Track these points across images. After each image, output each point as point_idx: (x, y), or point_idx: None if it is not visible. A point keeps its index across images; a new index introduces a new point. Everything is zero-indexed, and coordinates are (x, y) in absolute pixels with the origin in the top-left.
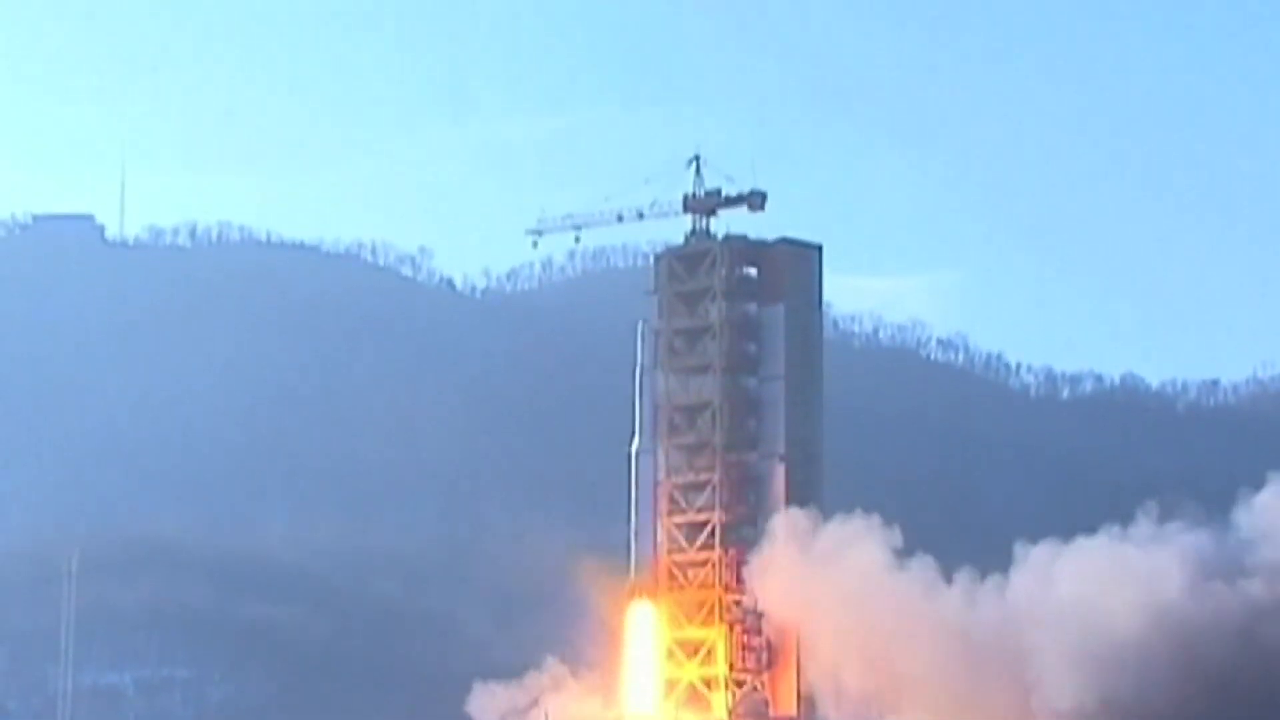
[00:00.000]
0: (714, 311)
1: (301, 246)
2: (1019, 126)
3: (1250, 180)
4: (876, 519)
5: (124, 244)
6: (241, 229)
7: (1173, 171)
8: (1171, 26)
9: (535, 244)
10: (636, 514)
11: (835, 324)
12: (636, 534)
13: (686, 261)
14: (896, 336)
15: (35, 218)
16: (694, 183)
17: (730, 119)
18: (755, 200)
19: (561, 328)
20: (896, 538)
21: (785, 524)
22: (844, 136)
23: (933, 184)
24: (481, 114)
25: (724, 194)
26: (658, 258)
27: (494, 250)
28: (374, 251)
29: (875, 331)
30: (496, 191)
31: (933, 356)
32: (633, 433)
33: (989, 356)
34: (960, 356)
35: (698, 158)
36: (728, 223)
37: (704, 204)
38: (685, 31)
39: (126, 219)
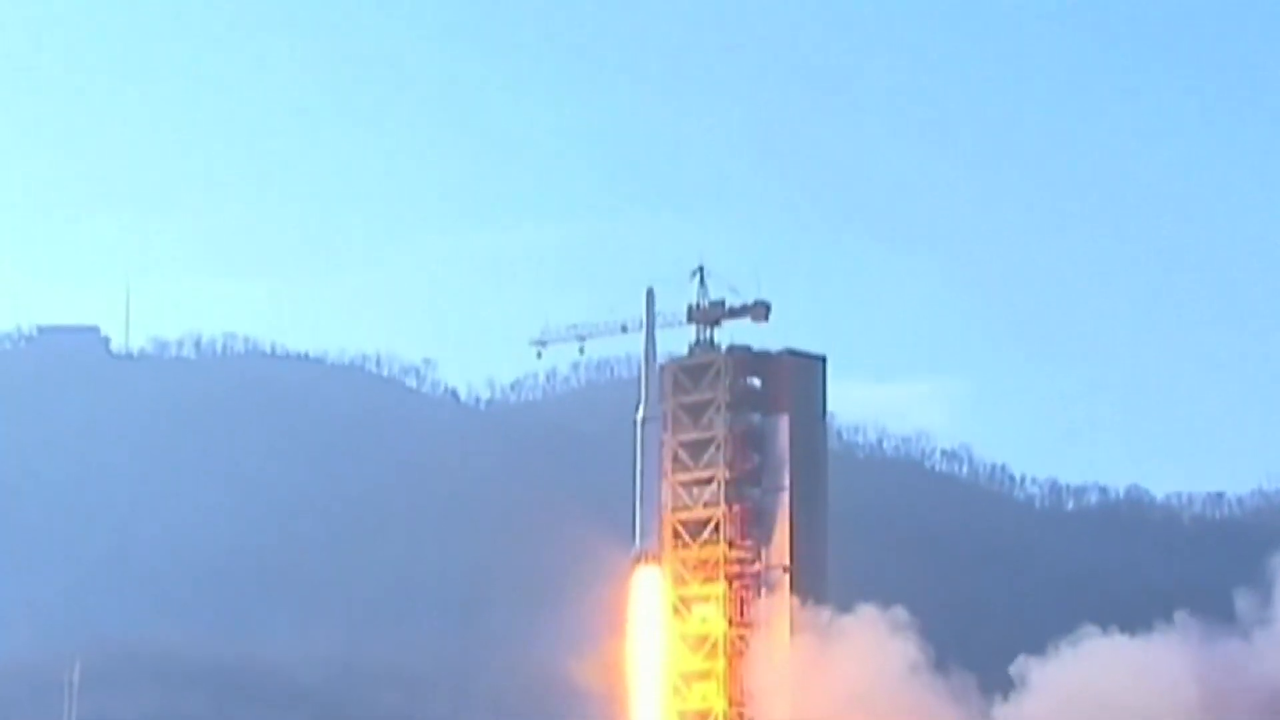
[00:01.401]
0: (718, 423)
1: (306, 358)
2: (1025, 234)
3: (1256, 293)
4: (900, 613)
5: (129, 356)
6: (246, 340)
7: (1178, 284)
8: (1178, 135)
9: (539, 354)
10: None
11: (839, 435)
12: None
13: (690, 373)
14: (901, 448)
15: (40, 329)
16: (698, 293)
17: (734, 229)
18: (759, 311)
19: (565, 438)
20: (912, 649)
21: (790, 618)
22: (848, 244)
23: (936, 291)
24: (485, 223)
25: (728, 305)
26: (662, 369)
27: (498, 360)
28: (378, 363)
29: (879, 442)
30: (501, 301)
31: (937, 468)
32: (634, 541)
33: (993, 468)
34: (964, 468)
35: (701, 269)
36: (731, 333)
37: (708, 315)
38: (688, 141)
39: (131, 330)
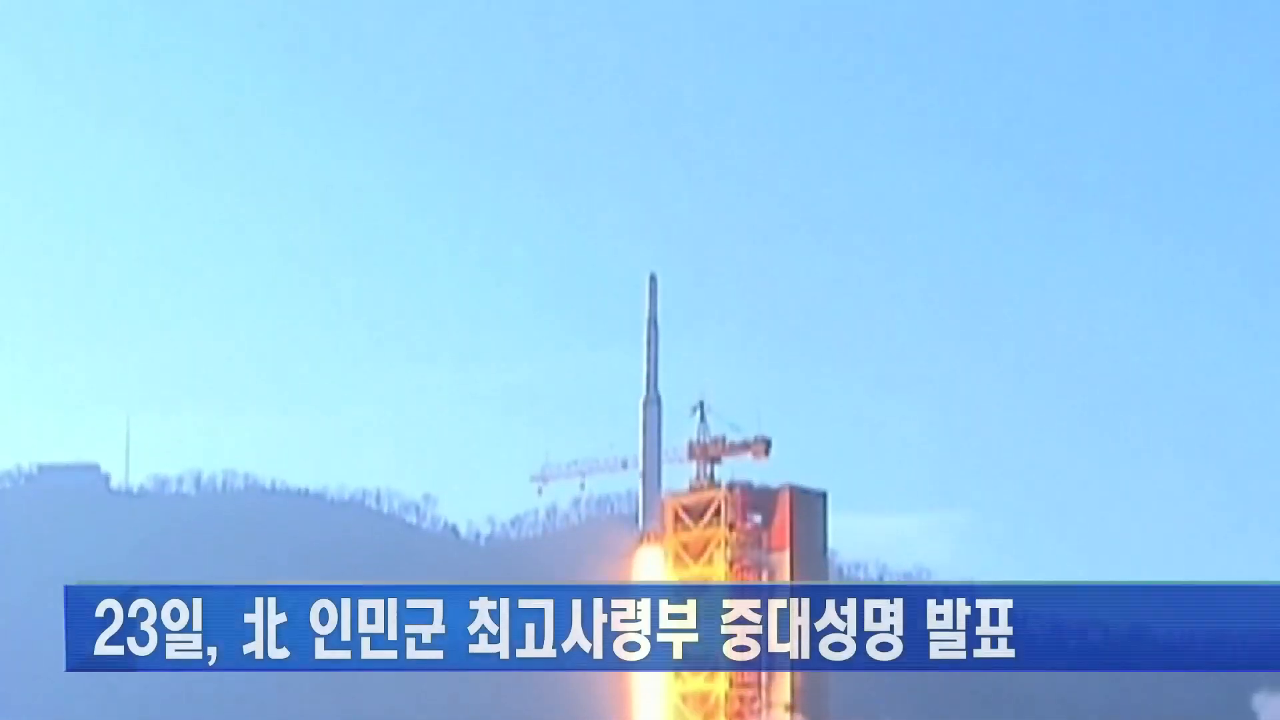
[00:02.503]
0: (719, 559)
1: (306, 494)
2: (1025, 365)
3: (1261, 430)
4: None
5: (129, 493)
6: (246, 477)
7: (1180, 416)
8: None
9: (540, 491)
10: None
11: (840, 571)
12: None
13: (691, 509)
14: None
15: (40, 468)
16: (698, 429)
17: (735, 364)
18: (760, 447)
19: (565, 574)
20: None
21: None
22: (847, 378)
23: (936, 424)
24: (487, 357)
25: (729, 441)
26: (663, 504)
27: (498, 497)
28: (378, 499)
29: (880, 579)
30: (501, 436)
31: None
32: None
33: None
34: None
35: (702, 404)
36: (732, 469)
37: (709, 451)
38: (687, 276)
39: (131, 467)
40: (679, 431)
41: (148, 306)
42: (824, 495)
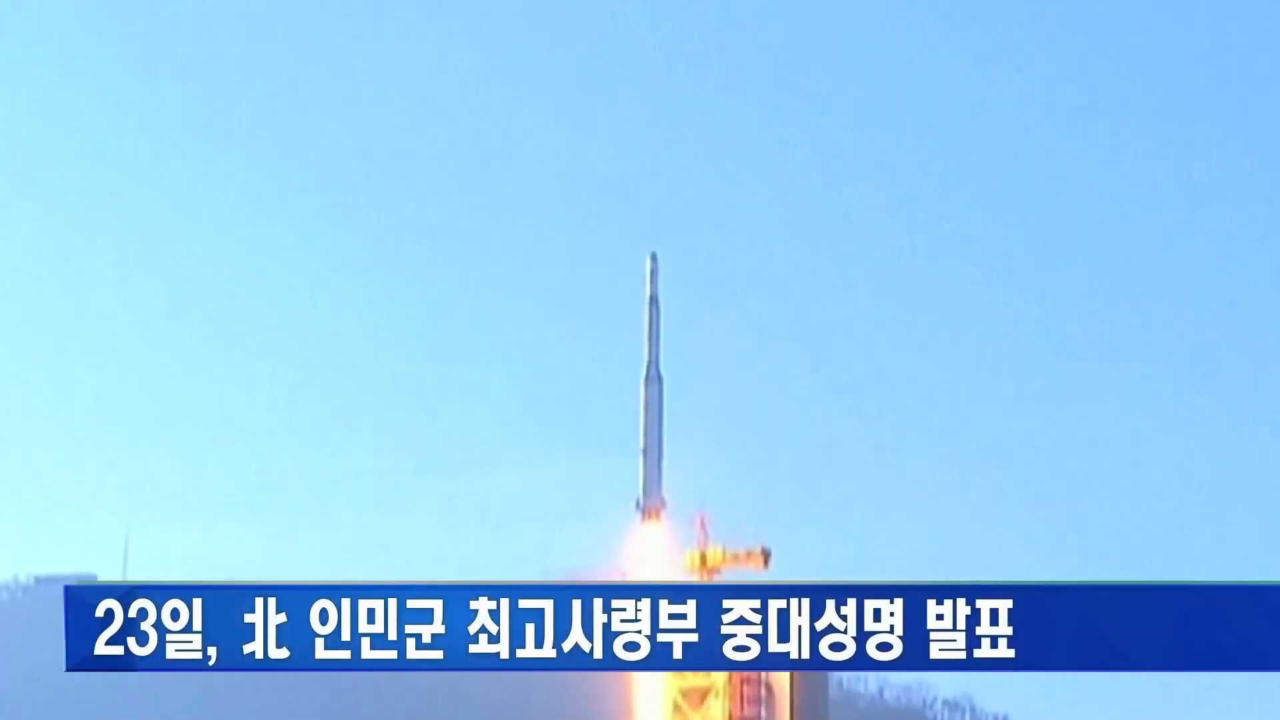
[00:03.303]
0: (720, 673)
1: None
2: (1023, 467)
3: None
4: None
5: None
6: None
7: (1185, 531)
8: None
9: None
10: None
11: (840, 684)
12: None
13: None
14: (902, 697)
15: (37, 579)
16: (699, 539)
17: (734, 473)
18: (759, 558)
19: (563, 688)
20: None
21: None
22: (846, 484)
23: (933, 542)
24: (489, 463)
25: (729, 551)
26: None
27: None
28: None
29: (880, 692)
30: (501, 542)
31: (939, 718)
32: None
33: (994, 718)
34: (966, 717)
35: (702, 516)
36: (731, 578)
37: (710, 563)
38: (684, 383)
39: (129, 577)
40: (679, 542)
41: (145, 416)
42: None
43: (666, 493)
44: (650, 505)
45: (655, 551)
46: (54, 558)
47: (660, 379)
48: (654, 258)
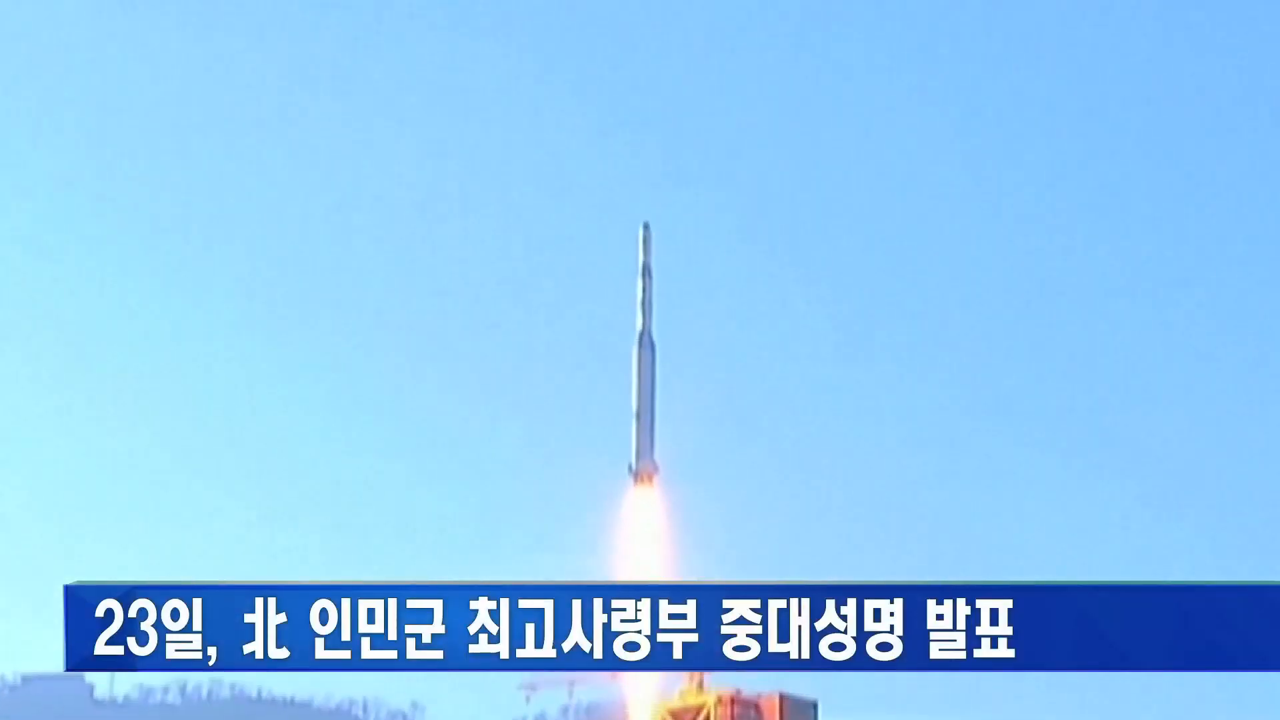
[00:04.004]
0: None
1: (292, 703)
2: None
3: None
4: None
5: (114, 702)
6: (233, 686)
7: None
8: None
9: (528, 699)
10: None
11: None
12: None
13: (680, 716)
14: None
15: (24, 678)
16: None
17: (736, 559)
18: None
19: None
20: None
21: None
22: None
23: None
24: (482, 559)
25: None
26: (653, 710)
27: (486, 705)
28: (365, 708)
29: None
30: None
31: None
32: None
33: None
34: None
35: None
36: (720, 676)
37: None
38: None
39: (116, 676)
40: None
41: (133, 512)
42: (815, 704)
43: (659, 458)
44: (643, 469)
45: (647, 514)
46: (40, 657)
47: (653, 344)
48: (646, 227)
